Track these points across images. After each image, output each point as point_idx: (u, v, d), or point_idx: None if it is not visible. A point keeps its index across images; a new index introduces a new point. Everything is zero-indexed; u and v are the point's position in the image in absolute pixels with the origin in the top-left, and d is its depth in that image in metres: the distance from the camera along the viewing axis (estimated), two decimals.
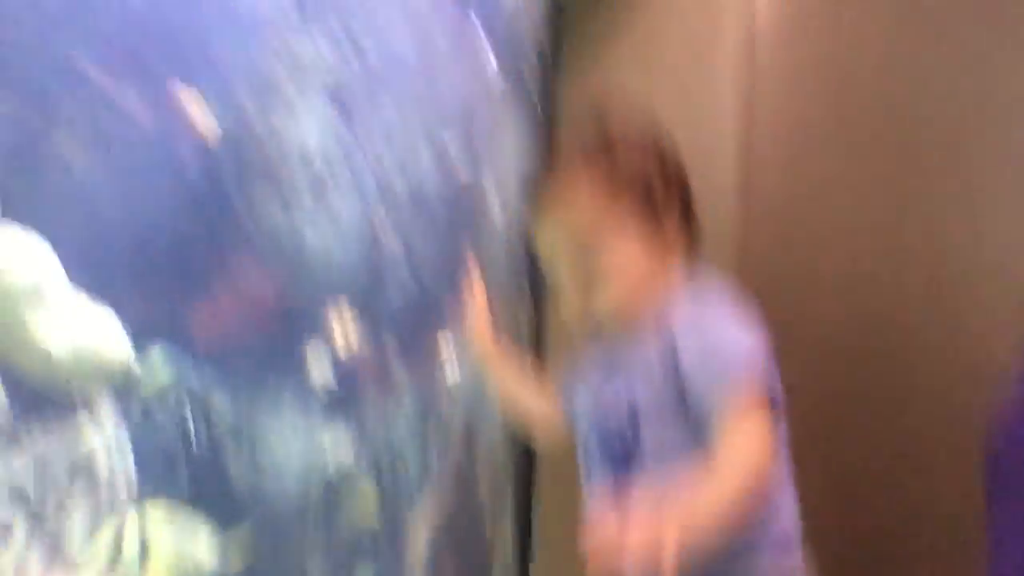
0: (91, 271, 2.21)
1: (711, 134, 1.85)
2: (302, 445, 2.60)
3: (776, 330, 1.59)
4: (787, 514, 1.38)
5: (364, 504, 2.75)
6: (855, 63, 1.58)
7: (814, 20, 1.68)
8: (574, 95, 2.31)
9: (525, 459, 2.92)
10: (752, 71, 1.84)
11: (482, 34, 3.13)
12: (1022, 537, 0.99)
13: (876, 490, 1.44)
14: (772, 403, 1.32)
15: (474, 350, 1.76)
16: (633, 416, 1.39)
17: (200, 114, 2.49)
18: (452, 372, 3.05)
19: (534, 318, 2.92)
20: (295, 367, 2.61)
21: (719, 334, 1.36)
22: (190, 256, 2.45)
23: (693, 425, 1.33)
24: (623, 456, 1.41)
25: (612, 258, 1.43)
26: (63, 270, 2.13)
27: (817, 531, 1.44)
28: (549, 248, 1.48)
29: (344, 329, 2.77)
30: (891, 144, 1.41)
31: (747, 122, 1.81)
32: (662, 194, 1.45)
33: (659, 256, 1.45)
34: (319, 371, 2.66)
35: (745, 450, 1.25)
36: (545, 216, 1.49)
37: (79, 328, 2.16)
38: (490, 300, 1.73)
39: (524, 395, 1.71)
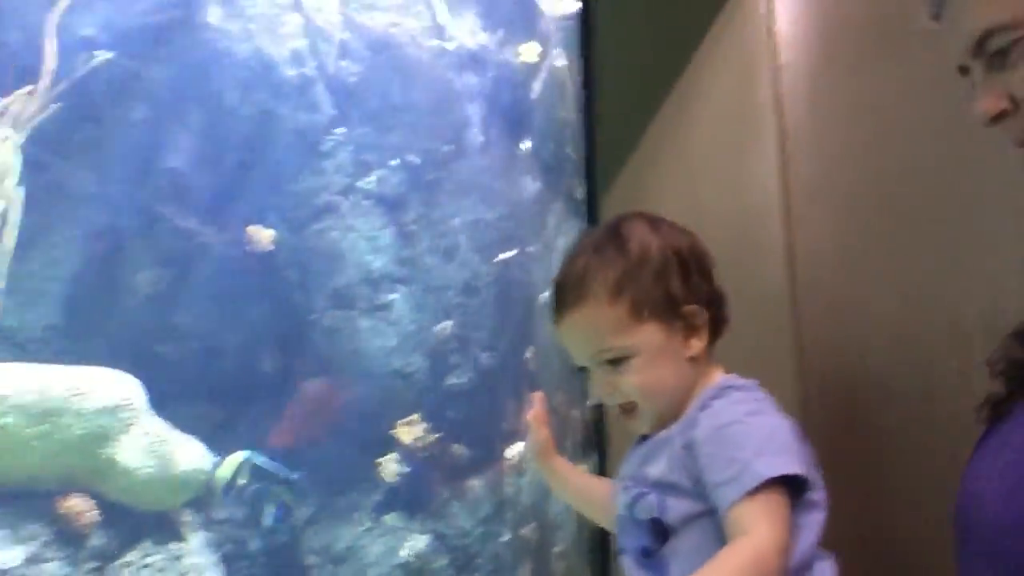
0: (173, 397, 2.39)
1: (755, 219, 1.92)
2: (376, 544, 2.70)
3: (833, 387, 1.63)
4: None
5: None
6: (883, 134, 1.65)
7: (841, 86, 1.77)
8: (615, 193, 2.42)
9: (602, 537, 2.93)
10: (785, 153, 1.92)
11: (530, 152, 3.30)
12: None
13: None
14: (799, 485, 1.26)
15: (537, 462, 1.78)
16: (659, 532, 1.36)
17: (268, 243, 2.70)
18: (519, 472, 3.13)
19: (593, 412, 2.98)
20: (368, 472, 2.73)
21: (736, 424, 1.31)
22: (267, 375, 2.61)
23: (718, 533, 1.27)
24: (656, 569, 1.38)
25: (635, 378, 1.39)
26: (146, 399, 2.32)
27: None
28: (574, 358, 1.45)
29: (414, 435, 2.89)
30: (924, 201, 1.46)
31: (787, 199, 1.88)
32: (686, 301, 1.40)
33: (687, 365, 1.40)
34: (390, 474, 2.77)
35: (759, 542, 1.18)
36: (565, 330, 1.43)
37: (162, 451, 2.33)
38: (549, 409, 1.76)
39: (584, 496, 1.71)
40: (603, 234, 1.48)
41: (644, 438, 1.47)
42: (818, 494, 1.33)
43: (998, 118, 1.01)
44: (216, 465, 2.39)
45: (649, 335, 1.37)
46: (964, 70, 1.06)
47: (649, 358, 1.37)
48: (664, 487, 1.34)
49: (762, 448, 1.24)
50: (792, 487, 1.24)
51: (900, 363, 1.53)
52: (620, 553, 1.42)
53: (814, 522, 1.30)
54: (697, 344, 1.40)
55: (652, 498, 1.35)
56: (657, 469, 1.36)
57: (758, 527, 1.18)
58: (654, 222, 1.47)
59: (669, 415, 1.40)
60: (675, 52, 2.25)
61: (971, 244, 1.45)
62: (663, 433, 1.39)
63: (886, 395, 1.47)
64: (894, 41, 1.64)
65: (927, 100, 1.46)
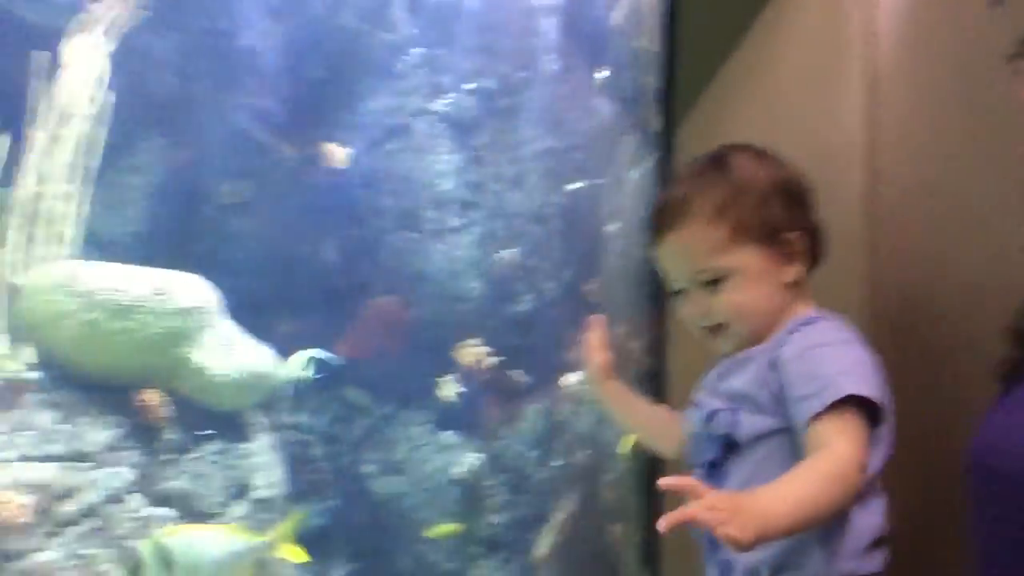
0: (247, 304, 2.48)
1: (834, 162, 1.88)
2: (432, 458, 2.79)
3: (904, 337, 1.62)
4: (869, 524, 1.36)
5: (492, 501, 2.91)
6: (984, 82, 1.59)
7: (937, 28, 1.70)
8: (691, 128, 2.38)
9: (652, 467, 2.98)
10: (874, 95, 1.86)
11: (605, 82, 3.28)
12: (1008, 548, 0.99)
13: None
14: (875, 416, 1.29)
15: (592, 385, 1.81)
16: (729, 448, 1.40)
17: (343, 161, 2.75)
18: (575, 400, 3.18)
19: (654, 339, 2.99)
20: (427, 389, 2.81)
21: (825, 347, 1.33)
22: (336, 289, 2.69)
23: (791, 451, 1.30)
24: (717, 482, 1.42)
25: (731, 297, 1.40)
26: (222, 305, 2.42)
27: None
28: (670, 280, 1.46)
29: (474, 357, 2.95)
30: (1021, 158, 1.42)
31: (871, 144, 1.84)
32: (787, 228, 1.41)
33: (782, 291, 1.42)
34: (449, 393, 2.85)
35: (839, 458, 1.20)
36: (665, 250, 1.44)
37: (236, 354, 2.43)
38: (609, 339, 1.78)
39: (642, 422, 1.74)
40: (707, 161, 1.49)
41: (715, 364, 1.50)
42: (886, 430, 1.34)
43: None
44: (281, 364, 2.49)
45: (748, 257, 1.38)
46: (1017, 56, 1.04)
47: (746, 280, 1.39)
48: (741, 400, 1.37)
49: (847, 369, 1.26)
50: (868, 415, 1.27)
51: (976, 317, 1.50)
52: (690, 467, 1.46)
53: (877, 456, 1.31)
54: (793, 270, 1.40)
55: (725, 414, 1.39)
56: (738, 382, 1.39)
57: (840, 441, 1.21)
58: (760, 153, 1.48)
59: (756, 338, 1.42)
60: None
61: None
62: (747, 352, 1.42)
63: (955, 346, 1.45)
64: None
65: None
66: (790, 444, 1.30)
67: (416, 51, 2.94)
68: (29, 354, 2.25)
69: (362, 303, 2.74)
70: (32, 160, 2.36)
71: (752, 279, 1.38)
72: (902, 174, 1.79)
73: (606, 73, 3.28)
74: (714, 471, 1.41)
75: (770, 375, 1.32)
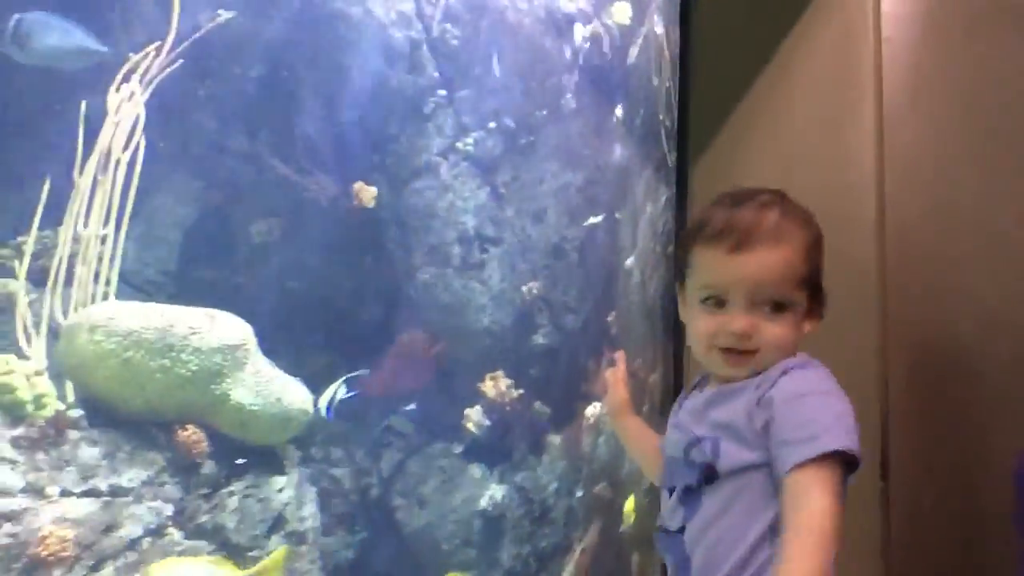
0: (280, 341, 2.55)
1: (847, 194, 1.94)
2: (459, 491, 2.84)
3: (919, 365, 1.67)
4: None
5: (516, 533, 2.95)
6: (985, 113, 1.65)
7: (944, 63, 1.76)
8: (706, 164, 2.45)
9: None
10: (883, 129, 1.93)
11: (623, 119, 3.36)
12: None
13: None
14: (855, 468, 1.32)
15: (612, 419, 1.86)
16: (707, 475, 1.43)
17: (371, 200, 2.83)
18: (595, 431, 3.23)
19: (668, 371, 3.05)
20: (455, 422, 2.87)
21: (816, 395, 1.37)
22: (366, 325, 2.76)
23: (764, 487, 1.34)
24: (690, 508, 1.46)
25: (781, 329, 1.45)
26: (256, 342, 2.49)
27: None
28: (723, 290, 1.46)
29: (498, 390, 3.01)
30: (1022, 183, 1.48)
31: (881, 176, 1.90)
32: (819, 284, 1.49)
33: (800, 338, 1.47)
34: (475, 426, 2.90)
35: (822, 514, 1.25)
36: (747, 262, 1.45)
37: (271, 390, 2.49)
38: (629, 371, 1.83)
39: (655, 457, 1.77)
40: (778, 199, 1.55)
41: (692, 390, 1.54)
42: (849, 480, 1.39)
43: None
44: (317, 397, 2.56)
45: (803, 300, 1.48)
46: None
47: (796, 318, 1.48)
48: (725, 429, 1.42)
49: (835, 423, 1.33)
50: (847, 467, 1.32)
51: (989, 343, 1.56)
52: (665, 489, 1.50)
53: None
54: (812, 325, 1.50)
55: (708, 444, 1.43)
56: (725, 413, 1.44)
57: (820, 495, 1.27)
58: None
59: (762, 371, 1.47)
60: (775, 22, 2.26)
61: None
62: (736, 384, 1.46)
63: (973, 375, 1.51)
64: (999, 18, 1.65)
65: None
66: (766, 479, 1.35)
67: (441, 92, 3.03)
68: (70, 392, 2.32)
69: (391, 338, 2.81)
70: (73, 204, 2.44)
71: (798, 319, 1.47)
72: (911, 206, 1.85)
73: (623, 110, 3.37)
74: (688, 497, 1.46)
75: (757, 411, 1.37)
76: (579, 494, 3.19)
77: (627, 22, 3.39)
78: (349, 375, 2.61)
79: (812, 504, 1.27)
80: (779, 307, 1.46)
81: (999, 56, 1.62)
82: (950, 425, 1.57)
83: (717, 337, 1.49)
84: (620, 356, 1.79)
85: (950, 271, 1.63)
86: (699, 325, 1.51)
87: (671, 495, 1.50)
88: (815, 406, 1.36)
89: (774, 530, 1.33)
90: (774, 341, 1.46)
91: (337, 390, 2.58)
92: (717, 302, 1.49)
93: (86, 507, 2.15)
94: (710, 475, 1.44)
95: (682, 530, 1.44)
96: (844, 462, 1.31)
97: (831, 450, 1.29)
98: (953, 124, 1.74)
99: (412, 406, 2.77)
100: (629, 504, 3.23)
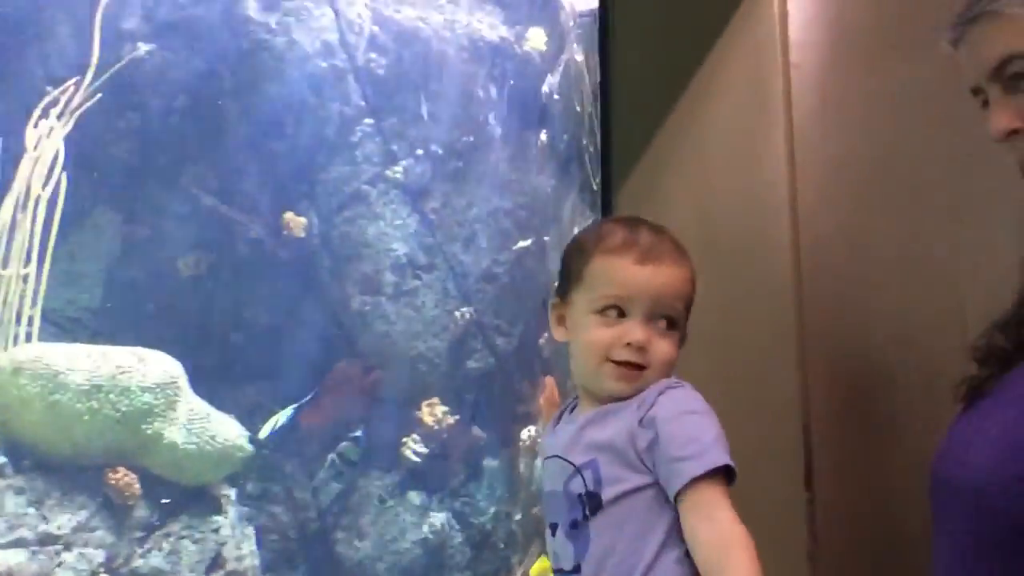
0: (211, 378, 2.53)
1: (763, 212, 2.01)
2: (398, 520, 2.84)
3: (836, 377, 1.73)
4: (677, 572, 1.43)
5: (457, 560, 2.96)
6: (890, 132, 1.74)
7: (850, 86, 1.86)
8: (630, 186, 2.50)
9: None
10: (794, 150, 2.00)
11: (547, 144, 3.41)
12: (962, 561, 1.08)
13: None
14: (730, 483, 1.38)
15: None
16: (590, 506, 1.45)
17: (301, 230, 2.83)
18: (532, 453, 3.25)
19: None
20: (392, 451, 2.87)
21: (697, 415, 1.40)
22: (299, 357, 2.75)
23: (653, 504, 1.37)
24: (580, 543, 1.48)
25: (670, 348, 1.49)
26: (187, 379, 2.46)
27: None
28: (631, 302, 1.48)
29: (435, 417, 3.02)
30: (929, 196, 1.55)
31: (794, 194, 1.97)
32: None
33: (676, 358, 1.52)
34: (412, 454, 2.91)
35: (735, 523, 1.30)
36: (658, 274, 1.48)
37: (204, 427, 2.46)
38: (561, 392, 1.86)
39: None
40: (661, 230, 1.57)
41: (559, 418, 1.56)
42: None
43: (1011, 135, 1.12)
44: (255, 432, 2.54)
45: (684, 324, 1.47)
46: (977, 91, 1.17)
47: (677, 338, 1.49)
48: (607, 452, 1.43)
49: (716, 440, 1.36)
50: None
51: (903, 354, 1.61)
52: (549, 527, 1.50)
53: None
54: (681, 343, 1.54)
55: (589, 472, 1.44)
56: (604, 434, 1.43)
57: (720, 511, 1.31)
58: None
59: (639, 391, 1.50)
60: (690, 49, 2.32)
61: (975, 239, 1.54)
62: (611, 406, 1.47)
63: (889, 385, 1.56)
64: (901, 42, 1.72)
65: (934, 98, 1.55)
66: (652, 497, 1.37)
67: (367, 121, 3.04)
68: None
69: (326, 369, 2.80)
70: None
71: (677, 340, 1.49)
72: (824, 225, 1.93)
73: (547, 135, 3.42)
74: (575, 532, 1.47)
75: (640, 431, 1.39)
76: (518, 517, 3.21)
77: (543, 47, 3.44)
78: (297, 404, 2.60)
79: (722, 517, 1.30)
80: (672, 324, 1.49)
81: (897, 79, 1.70)
82: (869, 433, 1.62)
83: (612, 349, 1.49)
84: (550, 381, 1.81)
85: (863, 287, 1.70)
86: (593, 336, 1.50)
87: (554, 533, 1.50)
88: (698, 424, 1.39)
89: (669, 536, 1.36)
90: (662, 358, 1.47)
91: (279, 418, 2.57)
92: (619, 312, 1.50)
93: (14, 558, 2.09)
94: (594, 506, 1.44)
95: (577, 568, 1.45)
96: (726, 478, 1.36)
97: (722, 464, 1.33)
98: (860, 147, 1.82)
99: (359, 432, 2.76)
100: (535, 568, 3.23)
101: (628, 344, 1.47)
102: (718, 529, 1.28)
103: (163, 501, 2.37)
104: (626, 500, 1.39)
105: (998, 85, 1.12)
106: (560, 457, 1.49)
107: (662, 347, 1.45)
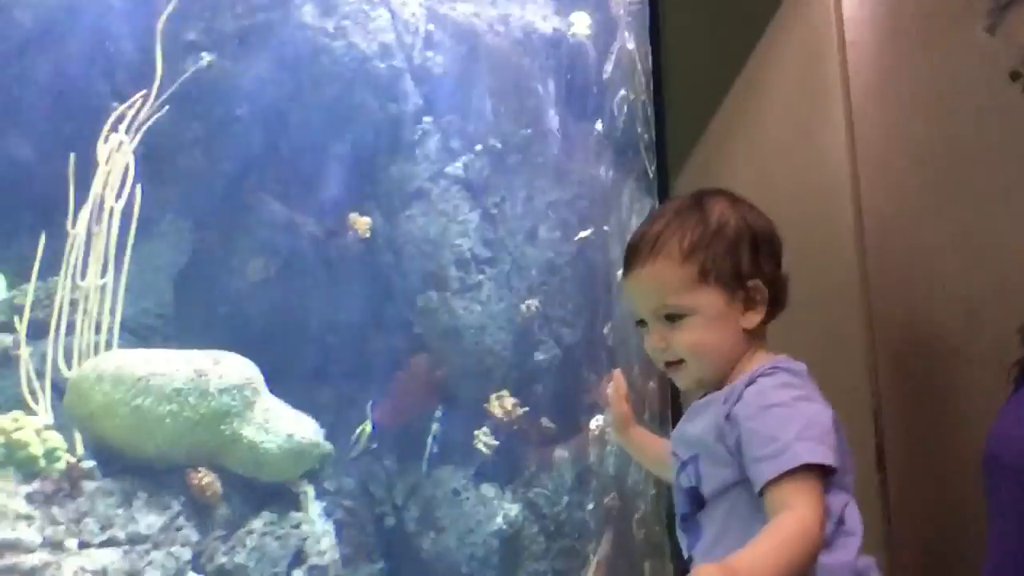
0: (285, 378, 2.59)
1: (824, 195, 1.98)
2: (473, 512, 2.87)
3: (905, 358, 1.71)
4: (840, 563, 1.38)
5: (532, 550, 2.98)
6: (949, 108, 1.70)
7: (906, 63, 1.81)
8: (687, 174, 2.49)
9: None
10: (853, 130, 1.97)
11: (603, 134, 3.41)
12: (1014, 538, 1.07)
13: None
14: (832, 471, 1.31)
15: (617, 434, 1.86)
16: (697, 500, 1.43)
17: (366, 230, 2.88)
18: (601, 442, 3.26)
19: (666, 377, 3.07)
20: (466, 444, 2.91)
21: (780, 407, 1.36)
22: (369, 354, 2.80)
23: (752, 502, 1.34)
24: (692, 535, 1.47)
25: (689, 336, 1.44)
26: (263, 379, 2.53)
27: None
28: (635, 312, 1.49)
29: (504, 408, 3.05)
30: (990, 173, 1.51)
31: (855, 175, 1.94)
32: (751, 275, 1.44)
33: (740, 336, 1.44)
34: (484, 446, 2.94)
35: (796, 520, 1.26)
36: (633, 283, 1.44)
37: (280, 427, 2.53)
38: (627, 382, 1.85)
39: (665, 462, 1.77)
40: (686, 202, 1.53)
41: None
42: (847, 478, 1.39)
43: None
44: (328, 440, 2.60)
45: (711, 299, 1.41)
46: (1016, 75, 1.16)
47: (706, 320, 1.41)
48: (700, 447, 1.42)
49: (802, 433, 1.30)
50: (823, 470, 1.32)
51: (971, 333, 1.58)
52: (677, 515, 1.51)
53: (836, 502, 1.36)
54: (754, 318, 1.42)
55: (691, 468, 1.43)
56: (697, 428, 1.43)
57: (800, 503, 1.27)
58: (736, 200, 1.50)
59: (711, 379, 1.45)
60: (743, 33, 2.30)
61: None
62: (708, 396, 1.46)
63: (957, 365, 1.53)
64: (958, 15, 1.69)
65: (992, 74, 1.51)
66: (750, 497, 1.35)
67: (426, 119, 3.08)
68: (79, 444, 2.34)
69: (395, 365, 2.85)
70: (71, 255, 2.48)
71: (712, 321, 1.41)
72: (886, 203, 1.89)
73: (602, 125, 3.41)
74: (687, 524, 1.47)
75: (727, 427, 1.37)
76: (590, 506, 3.22)
77: (587, 31, 3.43)
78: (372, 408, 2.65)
79: (794, 511, 1.28)
80: (673, 317, 1.46)
81: (955, 54, 1.67)
82: (940, 413, 1.60)
83: (653, 355, 1.51)
84: (617, 373, 1.80)
85: (929, 264, 1.67)
86: (645, 347, 1.54)
87: (678, 523, 1.51)
88: (783, 418, 1.34)
89: None
90: (688, 348, 1.44)
91: (365, 431, 2.63)
92: (640, 323, 1.51)
93: (106, 557, 2.18)
94: (699, 501, 1.44)
95: (691, 559, 1.45)
96: (819, 468, 1.32)
97: (802, 463, 1.30)
98: (920, 121, 1.78)
99: (439, 413, 2.80)
100: None
101: (650, 350, 1.49)
102: (784, 521, 1.26)
103: (248, 502, 2.44)
104: (727, 496, 1.38)
105: None
106: (673, 451, 1.50)
107: (677, 339, 1.44)
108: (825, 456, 1.28)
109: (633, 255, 1.49)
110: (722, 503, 1.39)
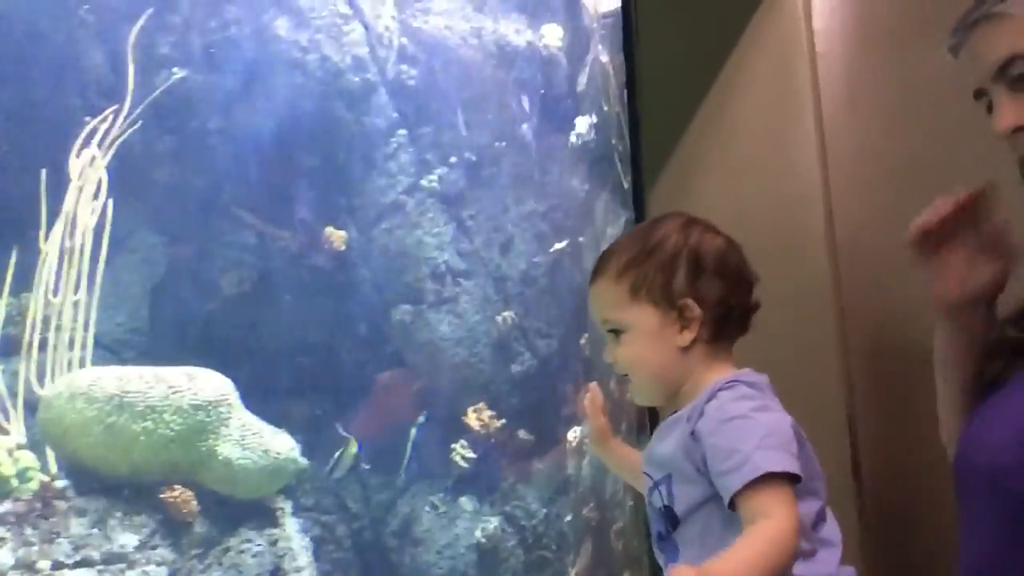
0: (260, 393, 2.58)
1: (797, 206, 2.00)
2: (452, 526, 2.87)
3: (879, 370, 1.72)
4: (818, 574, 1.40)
5: (510, 563, 2.98)
6: (920, 119, 1.73)
7: (877, 74, 1.84)
8: (661, 185, 2.50)
9: None
10: (825, 141, 2.00)
11: (575, 143, 3.43)
12: (985, 542, 1.09)
13: None
14: (797, 478, 1.34)
15: (594, 447, 1.87)
16: (672, 519, 1.45)
17: (341, 243, 2.87)
18: (579, 454, 3.26)
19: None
20: (443, 457, 2.90)
21: (739, 419, 1.37)
22: (345, 368, 2.79)
23: (725, 518, 1.35)
24: (669, 556, 1.49)
25: (626, 351, 1.46)
26: (238, 395, 2.51)
27: None
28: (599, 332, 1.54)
29: (481, 421, 3.05)
30: (961, 184, 1.53)
31: (827, 186, 1.97)
32: (686, 295, 1.44)
33: (677, 354, 1.45)
34: (463, 457, 2.94)
35: (775, 527, 1.25)
36: (590, 299, 1.48)
37: (256, 442, 2.51)
38: (605, 394, 1.85)
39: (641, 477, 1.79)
40: (644, 224, 1.59)
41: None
42: (815, 483, 1.40)
43: (1016, 132, 1.14)
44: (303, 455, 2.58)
45: (642, 316, 1.44)
46: (980, 94, 1.19)
47: (638, 336, 1.44)
48: (670, 466, 1.44)
49: (762, 443, 1.32)
50: (790, 477, 1.33)
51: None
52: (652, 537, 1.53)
53: (809, 507, 1.38)
54: (687, 336, 1.43)
55: (664, 488, 1.45)
56: (667, 448, 1.45)
57: (774, 511, 1.28)
58: (690, 222, 1.52)
59: (655, 394, 1.49)
60: (715, 46, 2.32)
61: (1010, 226, 1.53)
62: (672, 416, 1.48)
63: (932, 374, 1.55)
64: (928, 26, 1.71)
65: (963, 84, 1.54)
66: (722, 513, 1.36)
67: (401, 132, 3.08)
68: (52, 463, 2.32)
69: (371, 379, 2.84)
70: (43, 271, 2.45)
71: (644, 337, 1.43)
72: (858, 212, 1.92)
73: (576, 137, 3.43)
74: (663, 545, 1.49)
75: (692, 444, 1.39)
76: (568, 518, 3.22)
77: (559, 43, 3.45)
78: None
79: (769, 519, 1.29)
80: (617, 332, 1.50)
81: (924, 66, 1.70)
82: (916, 419, 1.61)
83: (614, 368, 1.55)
84: (594, 387, 1.81)
85: (902, 273, 1.68)
86: None
87: (654, 542, 1.52)
88: (739, 430, 1.35)
89: None
90: (627, 363, 1.47)
91: (350, 451, 2.62)
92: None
93: None
94: (673, 520, 1.45)
95: None
96: (786, 475, 1.33)
97: (763, 472, 1.31)
98: (890, 131, 1.81)
99: (421, 418, 2.80)
100: None
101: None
102: (759, 528, 1.27)
103: (223, 519, 2.43)
104: (699, 514, 1.40)
105: (1003, 84, 1.15)
106: (644, 471, 1.52)
107: (621, 354, 1.48)
108: (785, 463, 1.30)
109: (591, 273, 1.53)
110: (696, 521, 1.40)
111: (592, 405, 1.74)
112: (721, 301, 1.45)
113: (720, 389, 1.41)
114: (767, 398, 1.40)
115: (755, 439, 1.33)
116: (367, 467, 2.69)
